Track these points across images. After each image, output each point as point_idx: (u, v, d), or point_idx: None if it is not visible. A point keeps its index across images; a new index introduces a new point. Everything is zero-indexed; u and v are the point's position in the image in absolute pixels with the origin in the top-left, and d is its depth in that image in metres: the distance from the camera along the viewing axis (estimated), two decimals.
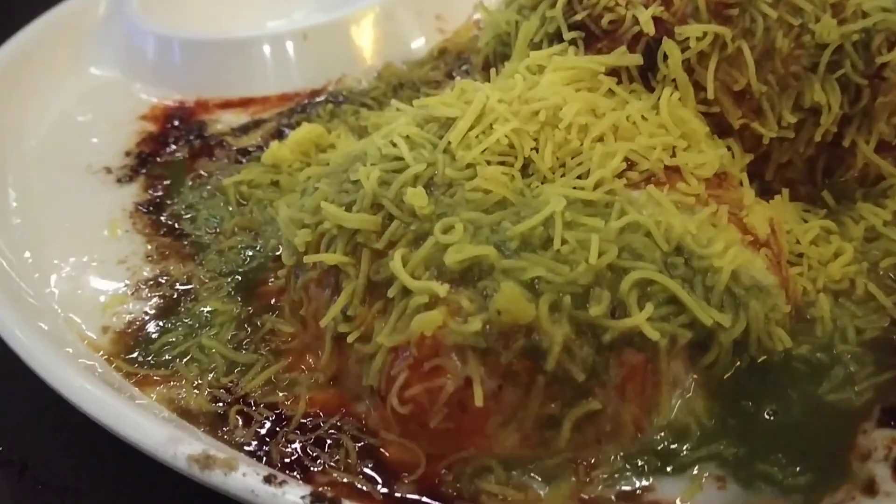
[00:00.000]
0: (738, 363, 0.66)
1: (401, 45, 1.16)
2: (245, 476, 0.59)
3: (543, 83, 0.76)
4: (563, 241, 0.64)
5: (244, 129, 1.05)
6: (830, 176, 0.82)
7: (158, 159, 1.01)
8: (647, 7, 0.77)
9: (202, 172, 0.98)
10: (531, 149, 0.72)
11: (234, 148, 1.02)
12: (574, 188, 0.68)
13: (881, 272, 0.74)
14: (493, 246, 0.64)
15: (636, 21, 0.77)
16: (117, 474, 0.72)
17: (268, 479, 0.58)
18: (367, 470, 0.64)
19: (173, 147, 1.03)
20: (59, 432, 0.77)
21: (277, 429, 0.68)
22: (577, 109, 0.73)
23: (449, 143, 0.72)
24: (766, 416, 0.64)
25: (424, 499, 0.61)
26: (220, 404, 0.71)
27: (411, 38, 1.18)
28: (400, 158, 0.72)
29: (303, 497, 0.57)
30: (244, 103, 1.09)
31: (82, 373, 0.69)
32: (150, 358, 0.76)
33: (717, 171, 0.73)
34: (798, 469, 0.60)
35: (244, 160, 0.99)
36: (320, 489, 0.58)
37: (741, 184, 0.75)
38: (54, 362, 0.69)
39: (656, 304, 0.63)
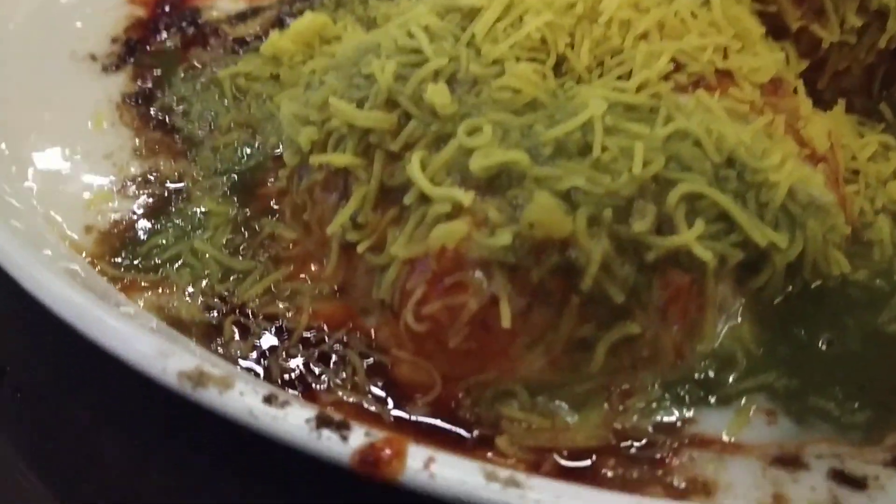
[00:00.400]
0: (791, 287, 0.59)
1: None
2: (242, 395, 0.52)
3: None
4: (604, 149, 0.57)
5: (241, 17, 0.96)
6: (889, 87, 0.75)
7: (148, 47, 0.92)
8: None
9: (195, 63, 0.89)
10: (566, 45, 0.64)
11: (231, 37, 0.93)
12: (615, 90, 0.61)
13: None
14: (526, 151, 0.57)
15: None
16: (100, 383, 0.66)
17: (268, 399, 0.52)
18: (375, 390, 0.58)
19: (164, 34, 0.94)
20: (38, 338, 0.70)
21: (277, 342, 0.62)
22: (619, 3, 0.65)
23: (473, 35, 0.65)
24: (821, 346, 0.58)
25: (439, 422, 0.55)
26: (215, 314, 0.64)
27: None
28: (418, 51, 0.64)
29: (307, 420, 0.51)
30: None
31: (62, 277, 0.61)
32: (137, 261, 0.69)
33: (773, 77, 0.66)
34: (856, 404, 0.55)
35: (241, 51, 0.91)
36: (326, 410, 0.51)
37: (796, 92, 0.68)
38: (32, 265, 0.62)
39: (706, 221, 0.56)
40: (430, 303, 0.56)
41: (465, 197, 0.55)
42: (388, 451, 0.49)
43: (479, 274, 0.55)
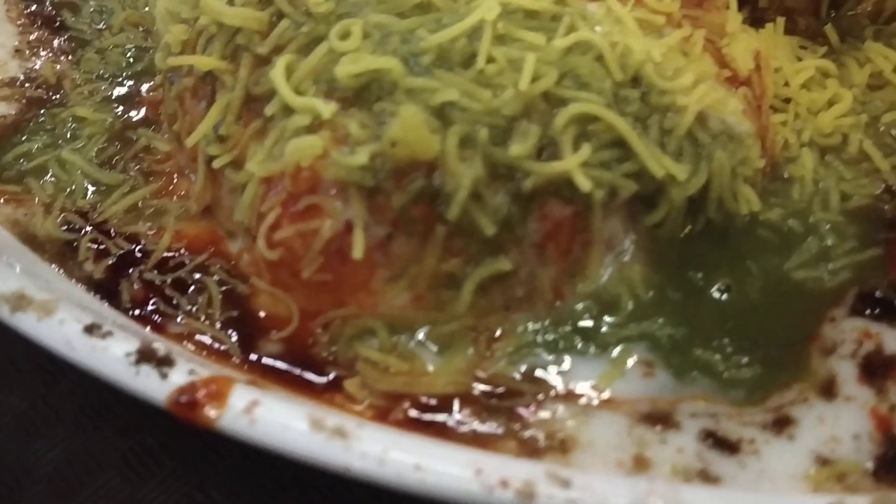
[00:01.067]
0: (692, 226, 0.53)
1: None
2: (62, 323, 0.47)
3: None
4: (491, 60, 0.51)
5: None
6: (838, 8, 0.68)
7: None
8: None
9: None
10: None
11: None
12: None
13: (882, 128, 0.61)
14: (401, 59, 0.50)
15: None
16: None
17: (89, 329, 0.47)
18: (230, 321, 0.53)
19: None
20: None
21: (133, 266, 0.57)
22: None
23: None
24: (717, 293, 0.53)
25: (283, 365, 0.50)
26: (73, 231, 0.59)
27: None
28: None
29: (127, 354, 0.46)
30: None
31: None
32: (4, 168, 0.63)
33: None
34: (745, 360, 0.50)
35: None
36: (153, 345, 0.46)
37: (727, 7, 0.61)
38: None
39: (597, 147, 0.50)
40: (283, 227, 0.50)
41: (326, 108, 0.49)
42: (206, 392, 0.44)
43: (335, 197, 0.49)
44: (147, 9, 0.75)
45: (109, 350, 0.46)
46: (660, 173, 0.50)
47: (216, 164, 0.54)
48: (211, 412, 0.43)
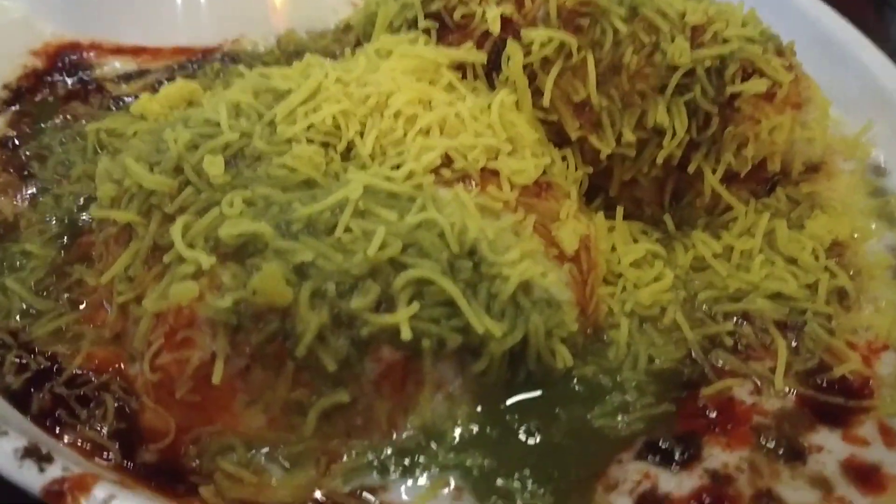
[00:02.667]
0: (514, 375, 0.63)
1: (311, 13, 1.14)
2: None
3: (383, 69, 0.74)
4: (349, 230, 0.62)
5: (126, 78, 1.03)
6: (679, 200, 0.80)
7: (35, 97, 0.99)
8: (498, 5, 0.75)
9: (68, 116, 0.96)
10: (356, 132, 0.70)
11: (112, 95, 0.99)
12: (385, 178, 0.66)
13: (697, 304, 0.72)
14: (275, 225, 0.62)
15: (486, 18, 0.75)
16: None
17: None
18: (118, 432, 0.63)
19: (53, 87, 1.01)
20: None
21: (48, 380, 0.67)
22: (408, 99, 0.71)
23: (275, 115, 0.71)
24: (525, 434, 0.62)
25: (152, 471, 0.59)
26: (2, 347, 0.69)
27: (323, 8, 1.15)
28: (216, 125, 0.70)
29: (16, 449, 0.55)
30: (136, 52, 1.07)
31: None
32: None
33: (541, 180, 0.71)
34: (541, 491, 0.59)
35: (115, 109, 0.97)
36: (38, 445, 0.56)
37: (569, 196, 0.73)
38: None
39: (431, 305, 0.61)
40: (162, 355, 0.60)
41: (206, 260, 0.60)
42: (71, 485, 0.53)
43: (206, 332, 0.60)
44: None
45: (1, 446, 0.56)
46: (480, 329, 0.61)
47: (119, 299, 0.65)
48: (73, 502, 0.52)
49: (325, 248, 0.61)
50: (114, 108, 0.98)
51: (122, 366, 0.68)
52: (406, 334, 0.59)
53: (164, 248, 0.65)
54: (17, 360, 0.68)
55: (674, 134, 0.74)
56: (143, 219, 0.67)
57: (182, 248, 0.62)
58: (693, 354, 0.68)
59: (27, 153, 0.91)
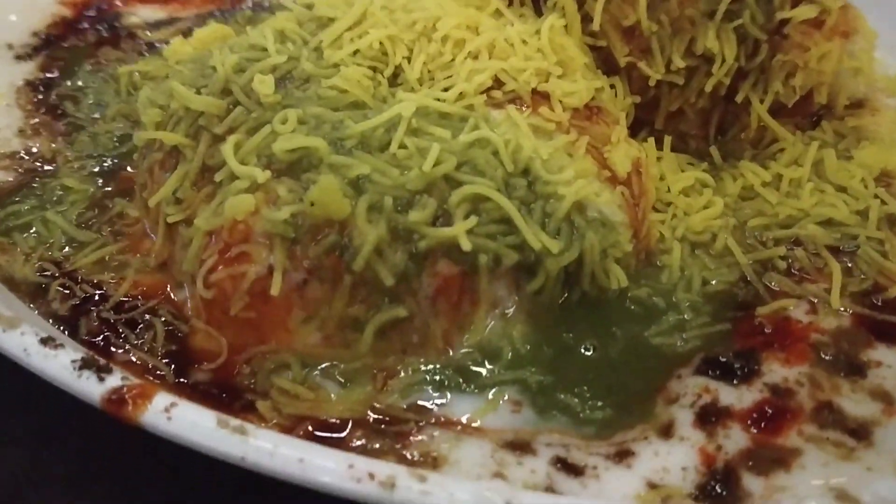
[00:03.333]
0: (568, 295, 0.63)
1: None
2: (23, 335, 0.56)
3: None
4: (402, 146, 0.62)
5: (157, 25, 1.02)
6: (724, 134, 0.79)
7: (64, 43, 0.98)
8: None
9: (103, 60, 0.95)
10: (403, 58, 0.69)
11: (143, 42, 0.99)
12: (435, 99, 0.66)
13: (747, 231, 0.72)
14: (329, 142, 0.61)
15: None
16: None
17: (44, 341, 0.56)
18: (169, 354, 0.62)
19: (82, 34, 1.00)
20: None
21: (94, 307, 0.66)
22: (456, 23, 0.70)
23: (321, 41, 0.70)
24: (584, 350, 0.62)
25: (207, 388, 0.59)
26: (46, 276, 0.68)
27: None
28: (265, 49, 0.69)
29: (73, 361, 0.55)
30: (165, 0, 1.06)
31: None
32: None
33: (591, 104, 0.71)
34: (599, 404, 0.58)
35: (147, 55, 0.96)
36: (94, 356, 0.55)
37: (618, 122, 0.72)
38: None
39: (486, 222, 0.60)
40: (217, 271, 0.60)
41: (261, 174, 0.60)
42: (134, 393, 0.52)
43: (262, 246, 0.59)
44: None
45: (59, 358, 0.55)
46: (536, 246, 0.60)
47: (171, 219, 0.64)
48: (134, 410, 0.52)
49: (381, 164, 0.60)
50: (146, 54, 0.97)
51: (170, 292, 0.67)
52: (466, 245, 0.58)
53: (214, 169, 0.64)
54: (62, 289, 0.67)
55: (723, 61, 0.73)
56: (191, 141, 0.66)
57: (235, 165, 0.61)
58: (747, 277, 0.67)
59: (60, 95, 0.90)
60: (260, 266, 0.59)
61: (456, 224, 0.59)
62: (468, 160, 0.62)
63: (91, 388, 0.53)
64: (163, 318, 0.65)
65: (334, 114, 0.64)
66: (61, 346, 0.56)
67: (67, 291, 0.67)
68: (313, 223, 0.58)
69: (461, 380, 0.59)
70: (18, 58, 0.96)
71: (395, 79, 0.69)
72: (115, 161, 0.81)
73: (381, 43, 0.69)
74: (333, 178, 0.58)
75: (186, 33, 0.99)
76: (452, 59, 0.69)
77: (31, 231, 0.73)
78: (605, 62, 0.75)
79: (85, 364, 0.55)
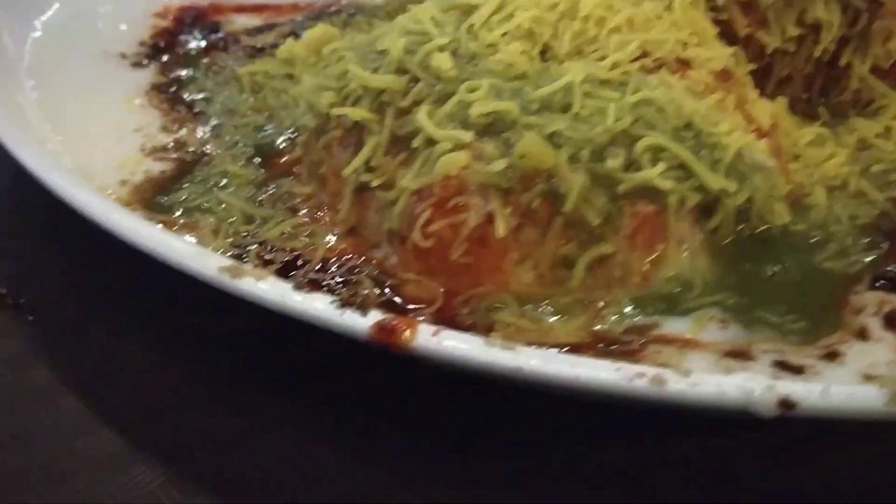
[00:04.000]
0: (740, 230, 0.69)
1: None
2: (273, 285, 0.61)
3: None
4: (581, 107, 0.68)
5: (258, 31, 1.07)
6: (826, 96, 0.87)
7: (174, 49, 1.03)
8: None
9: (218, 63, 1.00)
10: (550, 35, 0.76)
11: (249, 45, 1.04)
12: (592, 68, 0.72)
13: (869, 177, 0.79)
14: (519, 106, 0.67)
15: None
16: (126, 316, 0.74)
17: (298, 286, 0.60)
18: (384, 304, 0.66)
19: (188, 40, 1.05)
20: (66, 274, 0.78)
21: (295, 270, 0.70)
22: (595, 3, 0.77)
23: (472, 24, 0.76)
24: (763, 278, 0.68)
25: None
26: (240, 248, 0.72)
27: None
28: (424, 33, 0.75)
29: (332, 302, 0.59)
30: (258, 9, 1.11)
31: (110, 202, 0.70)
32: (169, 208, 0.78)
33: (724, 68, 0.78)
34: (795, 317, 0.64)
35: (258, 57, 1.02)
36: (350, 295, 0.60)
37: (747, 85, 0.79)
38: (84, 193, 0.70)
39: (667, 169, 0.67)
40: (435, 222, 0.65)
41: (466, 135, 0.66)
42: (400, 324, 0.57)
43: (477, 196, 0.64)
44: (267, 101, 0.92)
45: (316, 301, 0.60)
46: (716, 187, 0.67)
47: (374, 183, 0.69)
48: (406, 337, 0.57)
49: (569, 122, 0.67)
50: (256, 57, 1.02)
51: (365, 253, 0.72)
52: (664, 185, 0.64)
53: (403, 139, 0.70)
54: (261, 257, 0.71)
55: (829, 28, 0.81)
56: (375, 115, 0.72)
57: (433, 129, 0.67)
58: (887, 212, 0.75)
59: (188, 94, 0.95)
60: (478, 214, 0.64)
61: (645, 170, 0.65)
62: (639, 117, 0.69)
63: (357, 323, 0.58)
64: (369, 275, 0.69)
65: (510, 83, 0.70)
66: (312, 290, 0.61)
67: (267, 258, 0.71)
68: (523, 174, 0.64)
69: (665, 306, 0.65)
70: (135, 65, 1.00)
71: (542, 56, 0.76)
72: (264, 149, 0.85)
73: (529, 24, 0.76)
74: (535, 133, 0.64)
75: (289, 36, 1.05)
76: (596, 35, 0.76)
77: (208, 211, 0.77)
78: (724, 34, 0.82)
79: (344, 304, 0.59)
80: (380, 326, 0.57)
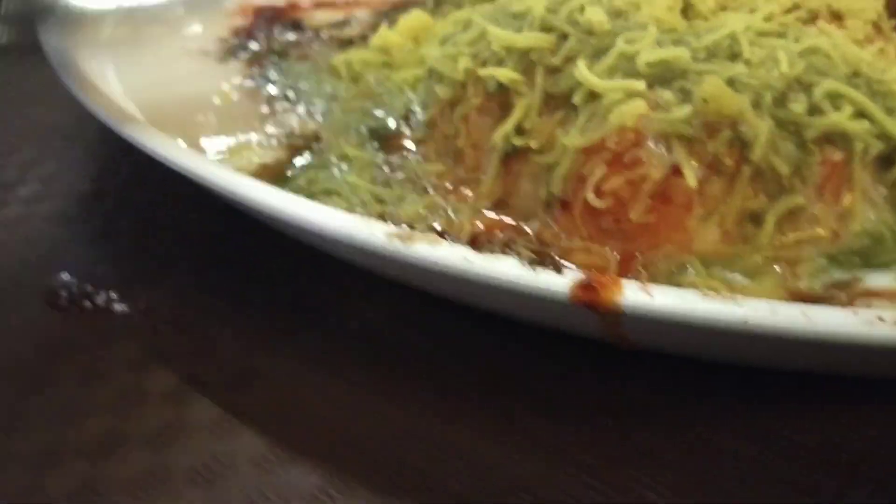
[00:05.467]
0: None
1: None
2: (451, 247, 0.56)
3: None
4: (751, 54, 0.64)
5: (342, 24, 1.03)
6: None
7: (255, 45, 0.99)
8: None
9: (307, 54, 0.96)
10: None
11: (335, 37, 1.00)
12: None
13: None
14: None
15: None
16: (251, 318, 0.69)
17: (476, 248, 0.55)
18: None
19: (271, 34, 1.01)
20: (189, 274, 0.73)
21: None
22: None
23: None
24: None
25: None
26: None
27: None
28: None
29: (521, 263, 0.54)
30: (335, 4, 1.08)
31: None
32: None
33: (874, 20, 0.74)
34: None
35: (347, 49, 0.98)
36: (543, 253, 0.55)
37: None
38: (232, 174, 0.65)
39: (846, 116, 0.62)
40: (611, 179, 0.60)
41: (639, 84, 0.61)
42: (600, 280, 0.52)
43: (658, 148, 0.60)
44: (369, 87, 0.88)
45: (504, 261, 0.54)
46: None
47: (533, 144, 0.65)
48: (612, 293, 0.52)
49: (743, 68, 0.62)
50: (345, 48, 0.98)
51: (516, 227, 0.67)
52: (856, 127, 0.60)
53: (556, 97, 0.65)
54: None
55: None
56: (522, 77, 0.67)
57: (598, 82, 0.63)
58: None
59: (282, 84, 0.91)
60: (662, 165, 0.59)
61: (831, 115, 0.61)
62: (809, 64, 0.64)
63: (554, 280, 0.53)
64: (525, 246, 0.64)
65: (669, 35, 0.66)
66: (492, 252, 0.56)
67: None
68: (706, 121, 0.60)
69: (859, 260, 0.61)
70: (220, 60, 0.96)
71: (684, 14, 0.72)
72: (380, 131, 0.81)
73: None
74: (716, 77, 0.60)
75: (375, 28, 1.01)
76: None
77: (336, 194, 0.73)
78: None
79: (535, 263, 0.54)
80: (582, 284, 0.52)
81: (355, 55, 0.93)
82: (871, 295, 0.58)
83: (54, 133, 0.99)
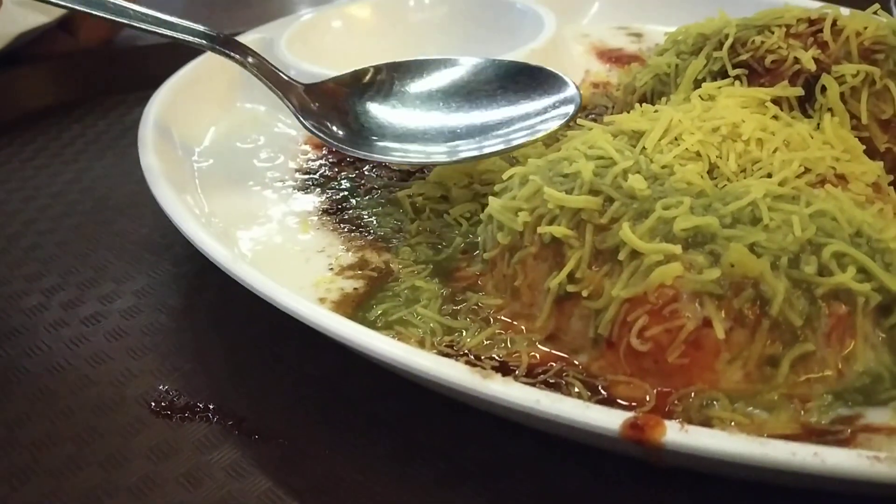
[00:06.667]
0: None
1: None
2: (522, 389, 0.67)
3: (719, 105, 0.90)
4: (770, 220, 0.76)
5: None
6: None
7: (327, 173, 1.12)
8: (806, 50, 0.92)
9: (373, 186, 1.09)
10: (716, 156, 0.85)
11: (396, 169, 1.13)
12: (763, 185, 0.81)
13: None
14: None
15: (796, 61, 0.92)
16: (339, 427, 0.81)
17: (532, 376, 0.67)
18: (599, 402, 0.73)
19: (339, 166, 1.14)
20: (282, 392, 0.85)
21: (507, 374, 0.77)
22: (755, 126, 0.86)
23: (644, 148, 0.85)
24: None
25: None
26: (450, 357, 0.79)
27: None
28: (606, 157, 0.84)
29: (580, 402, 0.66)
30: None
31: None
32: (372, 322, 0.85)
33: (874, 181, 0.86)
34: None
35: (408, 180, 1.10)
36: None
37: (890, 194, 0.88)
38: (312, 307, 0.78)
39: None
40: (651, 327, 0.72)
41: (676, 248, 0.73)
42: (646, 420, 0.64)
43: (691, 304, 0.72)
44: (430, 221, 1.01)
45: (566, 402, 0.66)
46: (895, 287, 0.74)
47: (584, 293, 0.77)
48: (657, 432, 0.63)
49: (763, 234, 0.74)
50: (406, 179, 1.11)
51: (567, 359, 0.79)
52: (861, 287, 0.72)
53: (605, 252, 0.77)
54: (471, 365, 0.78)
55: None
56: (574, 232, 0.79)
57: (639, 243, 0.75)
58: None
59: (354, 217, 1.03)
60: (695, 319, 0.71)
61: (837, 275, 0.73)
62: (818, 226, 0.76)
63: (605, 418, 0.64)
64: (577, 378, 0.76)
65: (698, 200, 0.78)
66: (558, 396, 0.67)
67: (476, 366, 0.78)
68: (731, 281, 0.72)
69: (862, 397, 0.72)
70: (295, 189, 1.09)
71: (710, 174, 0.85)
72: (443, 265, 0.93)
73: (697, 146, 0.85)
74: (740, 244, 0.72)
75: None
76: (758, 156, 0.85)
77: (408, 324, 0.84)
78: (865, 149, 0.91)
79: (589, 394, 0.66)
80: (631, 423, 0.63)
81: (416, 189, 1.05)
82: (871, 430, 0.69)
83: (142, 248, 1.11)
